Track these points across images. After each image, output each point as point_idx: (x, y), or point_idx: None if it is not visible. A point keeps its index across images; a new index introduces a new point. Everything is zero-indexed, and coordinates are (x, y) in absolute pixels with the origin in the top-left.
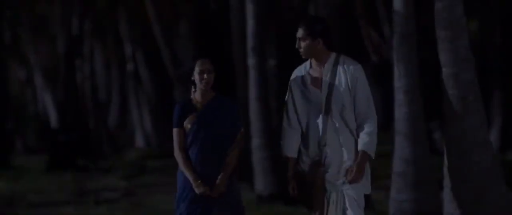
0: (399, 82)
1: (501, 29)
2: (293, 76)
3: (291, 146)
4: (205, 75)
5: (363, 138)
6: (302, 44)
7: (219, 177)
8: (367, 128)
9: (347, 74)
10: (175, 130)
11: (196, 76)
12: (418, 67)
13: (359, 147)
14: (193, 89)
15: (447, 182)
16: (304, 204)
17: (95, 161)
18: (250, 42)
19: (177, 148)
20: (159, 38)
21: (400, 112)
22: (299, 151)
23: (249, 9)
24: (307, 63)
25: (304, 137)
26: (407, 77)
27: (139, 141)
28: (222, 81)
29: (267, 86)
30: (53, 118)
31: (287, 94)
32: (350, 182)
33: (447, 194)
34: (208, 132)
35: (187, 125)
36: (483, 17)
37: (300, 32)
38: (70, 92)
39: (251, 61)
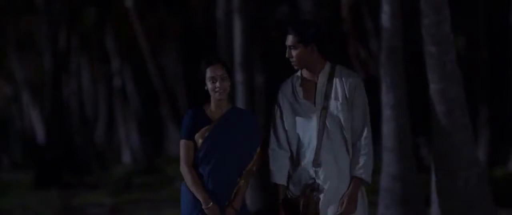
0: (386, 97)
1: (488, 45)
2: (280, 90)
3: (280, 172)
4: (217, 83)
5: (357, 161)
6: (294, 52)
7: (235, 199)
8: (362, 149)
9: (345, 87)
10: (183, 142)
11: (208, 85)
12: (406, 82)
13: (353, 173)
14: (206, 101)
15: (434, 198)
16: None
17: (81, 177)
18: (237, 58)
19: (184, 162)
20: (146, 54)
21: (387, 127)
22: (289, 174)
23: (236, 24)
24: (297, 74)
25: (295, 158)
26: (394, 92)
27: (126, 157)
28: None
29: (255, 102)
30: (39, 134)
31: (274, 110)
32: None
33: (434, 210)
34: (222, 148)
35: (199, 139)
36: (470, 33)
37: (290, 39)
38: (56, 108)
39: (238, 76)
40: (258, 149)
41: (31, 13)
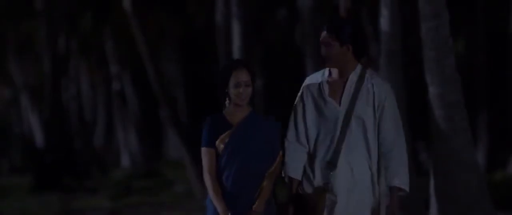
0: None
1: (487, 50)
2: (307, 82)
3: (297, 165)
4: (241, 89)
5: (395, 171)
6: (327, 50)
7: (256, 202)
8: (398, 159)
9: (374, 93)
10: (204, 150)
11: (231, 90)
12: (405, 87)
13: (391, 183)
14: (227, 102)
15: (433, 202)
16: None
17: (80, 181)
18: None
19: (207, 171)
20: (145, 58)
21: None
22: (303, 171)
23: (235, 28)
24: (325, 70)
25: (311, 156)
26: None
27: (125, 161)
28: (209, 100)
29: (254, 106)
30: (38, 138)
31: (296, 103)
32: None
33: (434, 214)
34: (244, 154)
35: (220, 145)
36: (469, 37)
37: (324, 36)
38: (55, 112)
39: None
40: (280, 152)
41: (30, 17)
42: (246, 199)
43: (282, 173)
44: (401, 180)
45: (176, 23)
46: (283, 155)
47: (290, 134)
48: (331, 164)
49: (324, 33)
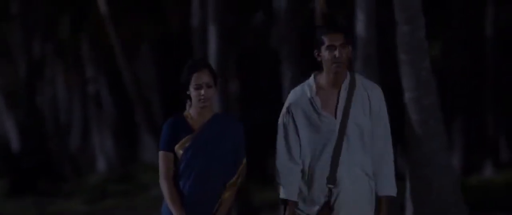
0: None
1: (462, 53)
2: (293, 98)
3: (292, 187)
4: (202, 91)
5: (384, 178)
6: (345, 54)
7: (218, 214)
8: (386, 169)
9: (369, 99)
10: (161, 153)
11: (192, 92)
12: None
13: (382, 191)
14: (188, 103)
15: (409, 206)
16: None
17: (56, 185)
18: (212, 65)
19: (163, 176)
20: (121, 61)
21: None
22: (299, 191)
23: (211, 31)
24: (310, 82)
25: (307, 173)
26: None
27: (101, 164)
28: (184, 104)
29: (229, 109)
30: (14, 141)
31: (283, 122)
32: None
33: None
34: (205, 160)
35: (179, 150)
36: (445, 41)
37: (338, 38)
38: (31, 116)
39: None
40: (244, 160)
41: (5, 21)
42: (204, 209)
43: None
44: (392, 188)
45: (152, 27)
46: (248, 163)
47: (281, 154)
48: (331, 179)
49: (338, 36)
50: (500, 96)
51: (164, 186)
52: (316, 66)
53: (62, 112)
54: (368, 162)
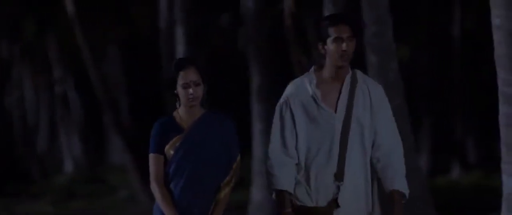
0: None
1: (430, 55)
2: (291, 90)
3: (288, 178)
4: (190, 90)
5: (395, 175)
6: (351, 45)
7: None
8: (397, 163)
9: (370, 95)
10: (152, 156)
11: (179, 91)
12: None
13: (392, 186)
14: (177, 105)
15: (377, 209)
16: None
17: (23, 186)
18: None
19: (154, 179)
20: (88, 62)
21: None
22: (297, 184)
23: (179, 33)
24: (311, 75)
25: (303, 169)
26: None
27: (68, 165)
28: (152, 105)
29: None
30: None
31: (280, 113)
32: None
33: None
34: (196, 160)
35: (169, 150)
36: (413, 42)
37: (347, 30)
38: None
39: None
40: (238, 158)
41: None
42: (198, 210)
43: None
44: (403, 185)
45: (119, 28)
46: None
47: (275, 147)
48: (339, 176)
49: (346, 28)
50: (467, 98)
51: (155, 189)
52: (285, 68)
53: (29, 113)
54: (366, 156)
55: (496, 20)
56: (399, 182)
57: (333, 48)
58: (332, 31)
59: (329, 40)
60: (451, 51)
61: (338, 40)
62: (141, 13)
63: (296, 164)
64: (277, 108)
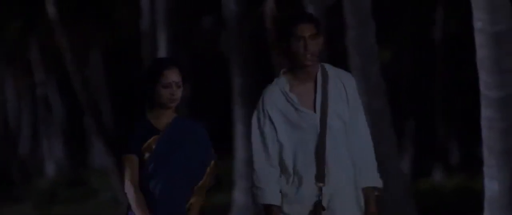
0: None
1: (413, 57)
2: (267, 97)
3: (275, 191)
4: (172, 90)
5: (368, 169)
6: (316, 44)
7: None
8: (371, 157)
9: (345, 88)
10: (127, 157)
11: (160, 91)
12: None
13: (365, 183)
14: (147, 105)
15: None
16: None
17: (5, 189)
18: None
19: (129, 181)
20: (70, 65)
21: None
22: (283, 195)
23: (161, 36)
24: (281, 80)
25: (291, 174)
26: None
27: (50, 169)
28: (134, 109)
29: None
30: None
31: (258, 124)
32: None
33: None
34: (173, 161)
35: (145, 152)
36: (395, 45)
37: (309, 28)
38: None
39: None
40: (212, 163)
41: None
42: (174, 212)
43: (255, 198)
44: (376, 179)
45: (102, 31)
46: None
47: (259, 158)
48: (320, 177)
49: (309, 26)
50: (450, 101)
51: (130, 191)
52: (266, 70)
53: (11, 116)
54: (351, 150)
55: (478, 23)
56: (371, 178)
57: (296, 47)
58: (295, 30)
59: (292, 39)
60: (434, 54)
61: (301, 39)
62: (124, 17)
63: (286, 172)
64: (254, 120)
